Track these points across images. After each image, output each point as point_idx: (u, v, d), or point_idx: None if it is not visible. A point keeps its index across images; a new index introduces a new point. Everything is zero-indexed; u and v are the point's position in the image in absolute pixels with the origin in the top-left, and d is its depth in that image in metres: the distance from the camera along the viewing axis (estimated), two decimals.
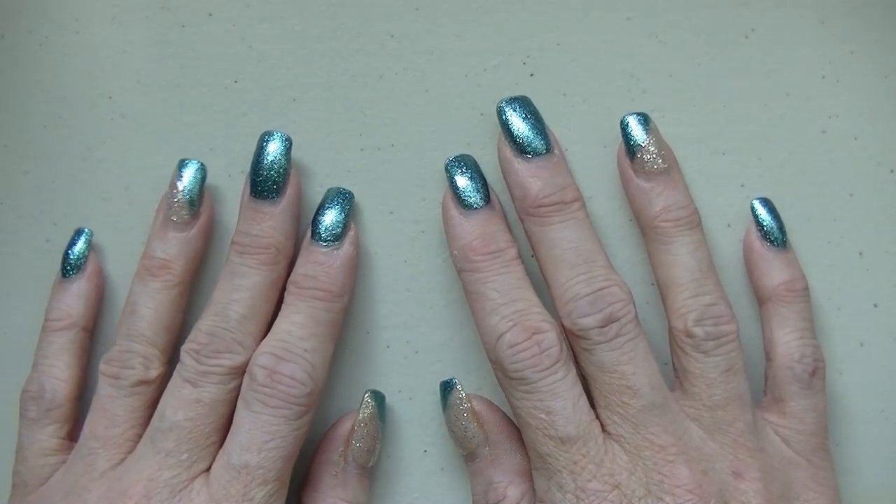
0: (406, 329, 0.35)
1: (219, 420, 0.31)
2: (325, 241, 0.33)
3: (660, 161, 0.32)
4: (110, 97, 0.35)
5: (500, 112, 0.33)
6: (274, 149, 0.32)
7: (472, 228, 0.32)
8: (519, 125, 0.32)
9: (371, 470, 0.34)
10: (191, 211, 0.33)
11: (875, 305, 0.35)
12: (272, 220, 0.32)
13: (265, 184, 0.32)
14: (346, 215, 0.33)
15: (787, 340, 0.33)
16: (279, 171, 0.32)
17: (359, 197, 0.35)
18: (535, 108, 0.33)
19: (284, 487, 0.31)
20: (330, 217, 0.33)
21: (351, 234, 0.33)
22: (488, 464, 0.33)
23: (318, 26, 0.35)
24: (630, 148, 0.33)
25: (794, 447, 0.32)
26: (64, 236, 0.35)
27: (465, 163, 0.33)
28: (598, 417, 0.31)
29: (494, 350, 0.31)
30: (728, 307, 0.32)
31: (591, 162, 0.35)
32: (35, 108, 0.35)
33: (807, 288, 0.33)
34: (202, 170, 0.33)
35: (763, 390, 0.34)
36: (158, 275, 0.32)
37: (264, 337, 0.32)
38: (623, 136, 0.33)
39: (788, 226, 0.35)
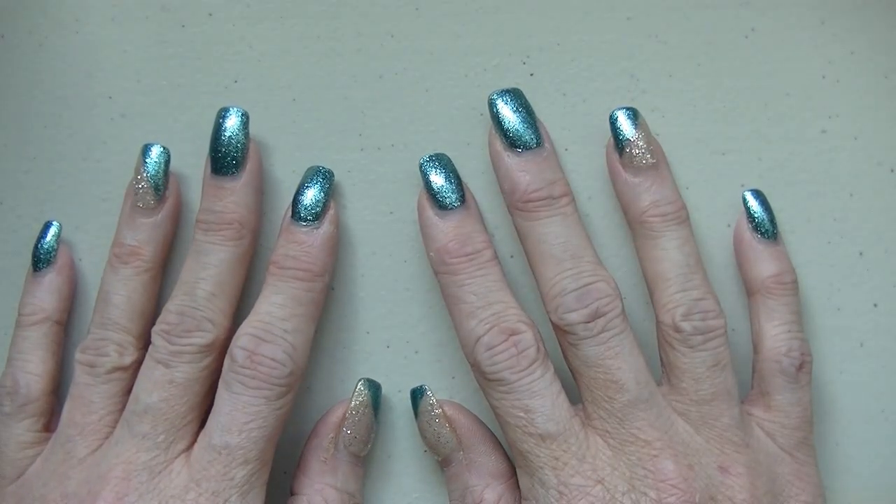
0: (406, 329, 0.35)
1: (193, 399, 0.31)
2: (304, 221, 0.32)
3: (648, 156, 0.32)
4: (110, 97, 0.35)
5: (491, 104, 0.33)
6: (231, 124, 0.32)
7: (447, 230, 0.32)
8: (510, 118, 0.32)
9: (364, 460, 0.34)
10: (156, 196, 0.33)
11: (875, 305, 0.35)
12: (234, 195, 0.32)
13: (224, 159, 0.32)
14: (325, 194, 0.33)
15: (775, 334, 0.33)
16: (237, 146, 0.32)
17: (359, 197, 0.35)
18: (526, 101, 0.33)
19: (266, 467, 0.31)
20: (310, 196, 0.33)
21: (331, 212, 0.33)
22: (463, 468, 0.33)
23: (318, 26, 0.35)
24: (619, 143, 0.33)
25: (778, 442, 0.32)
26: (64, 236, 0.35)
27: (440, 162, 0.33)
28: (584, 411, 0.31)
29: (472, 353, 0.31)
30: (716, 302, 0.32)
31: (591, 162, 0.35)
32: (35, 108, 0.35)
33: (795, 281, 0.33)
34: (166, 154, 0.33)
35: (751, 383, 0.34)
36: (129, 261, 0.33)
37: (234, 313, 0.32)
38: (612, 130, 0.33)
39: (788, 226, 0.35)
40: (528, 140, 0.32)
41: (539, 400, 0.30)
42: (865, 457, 0.36)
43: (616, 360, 0.31)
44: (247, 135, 0.33)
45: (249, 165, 0.33)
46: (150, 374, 0.31)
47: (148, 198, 0.33)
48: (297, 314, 0.32)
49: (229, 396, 0.30)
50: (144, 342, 0.33)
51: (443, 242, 0.32)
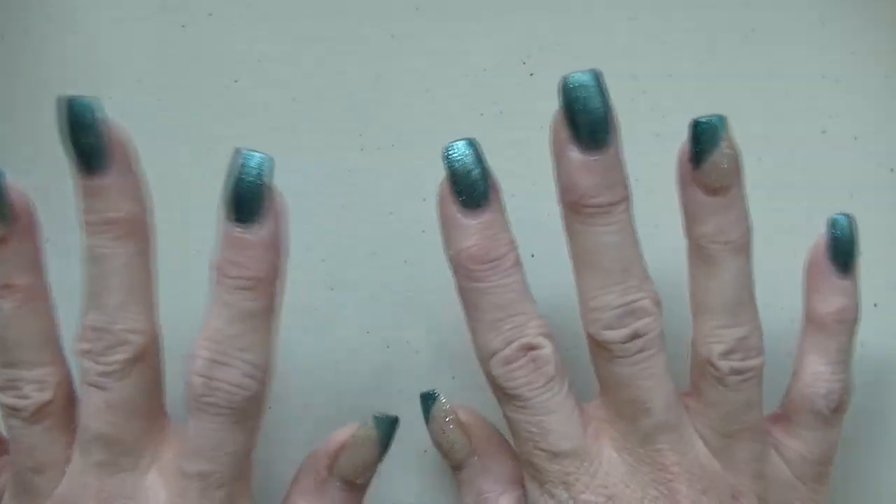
0: (406, 329, 0.35)
1: (139, 409, 0.29)
2: (243, 222, 0.28)
3: (726, 177, 0.30)
4: (110, 97, 0.35)
5: (569, 89, 0.28)
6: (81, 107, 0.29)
7: (472, 231, 0.29)
8: (585, 110, 0.28)
9: (364, 486, 0.32)
10: (3, 221, 0.29)
11: (875, 305, 0.35)
12: (109, 191, 0.29)
13: (89, 155, 0.29)
14: (263, 186, 0.28)
15: (819, 371, 0.31)
16: (98, 137, 0.28)
17: (359, 197, 0.35)
18: (606, 89, 0.28)
19: (245, 478, 0.30)
20: (244, 191, 0.28)
21: (274, 206, 0.28)
22: (477, 473, 0.32)
23: (318, 26, 0.35)
24: (697, 156, 0.29)
25: (795, 470, 0.31)
26: (64, 237, 0.35)
27: (468, 150, 0.29)
28: (603, 416, 0.31)
29: (488, 365, 0.30)
30: (759, 338, 0.30)
31: None
32: (35, 108, 0.35)
33: (857, 319, 0.32)
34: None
35: (781, 399, 0.33)
36: (5, 296, 0.29)
37: (153, 305, 0.29)
38: (692, 140, 0.29)
39: (788, 226, 0.35)
40: (599, 139, 0.28)
41: (554, 417, 0.29)
42: (865, 457, 0.36)
43: (648, 381, 0.29)
44: (107, 122, 0.29)
45: (117, 156, 0.29)
46: (88, 400, 0.29)
47: None
48: (251, 328, 0.28)
49: (194, 424, 0.29)
50: (60, 360, 0.30)
51: (465, 246, 0.29)
